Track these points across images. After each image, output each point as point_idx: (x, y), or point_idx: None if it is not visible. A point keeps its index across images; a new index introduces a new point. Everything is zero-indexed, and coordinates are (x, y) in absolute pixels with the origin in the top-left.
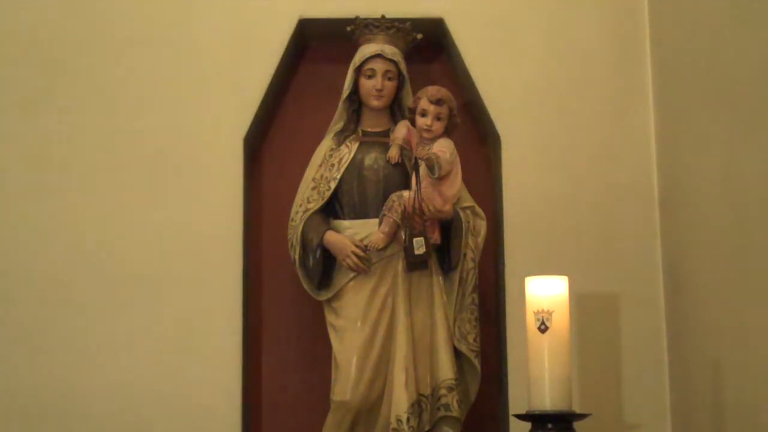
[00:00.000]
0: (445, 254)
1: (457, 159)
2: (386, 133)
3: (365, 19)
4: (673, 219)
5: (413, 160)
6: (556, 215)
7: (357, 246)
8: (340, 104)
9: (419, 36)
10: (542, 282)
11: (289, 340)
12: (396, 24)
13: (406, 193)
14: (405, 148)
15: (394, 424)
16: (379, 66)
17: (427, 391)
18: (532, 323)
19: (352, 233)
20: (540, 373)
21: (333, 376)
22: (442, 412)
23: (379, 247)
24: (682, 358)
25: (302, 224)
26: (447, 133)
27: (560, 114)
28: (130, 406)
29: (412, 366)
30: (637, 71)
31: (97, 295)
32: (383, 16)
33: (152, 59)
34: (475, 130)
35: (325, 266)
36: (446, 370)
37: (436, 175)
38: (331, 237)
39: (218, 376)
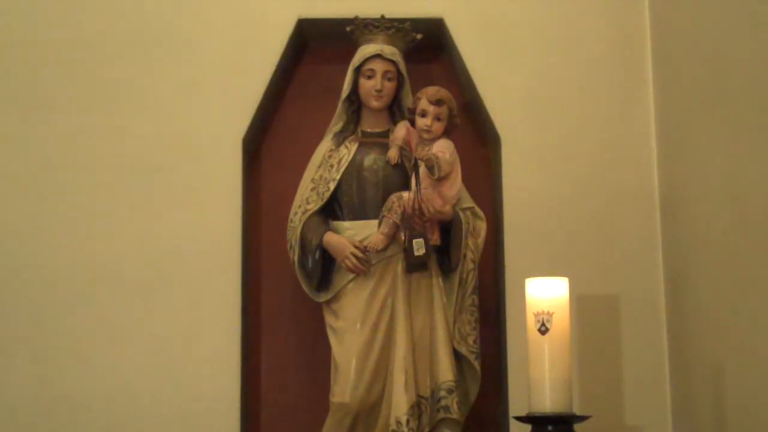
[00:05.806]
0: (444, 255)
1: (457, 160)
2: (386, 134)
3: (365, 19)
4: (673, 220)
5: (413, 161)
6: (557, 216)
7: (356, 247)
8: (340, 105)
9: (419, 36)
10: (542, 283)
11: (288, 341)
12: (395, 24)
13: (405, 194)
14: (404, 149)
15: (393, 426)
16: (378, 66)
17: (427, 393)
18: (532, 325)
19: (352, 234)
20: (540, 374)
21: (332, 378)
22: (441, 414)
23: (379, 248)
24: (682, 360)
25: (301, 225)
26: (447, 133)
27: (560, 114)
28: (129, 409)
29: (412, 368)
30: (637, 71)
31: (95, 297)
32: (383, 16)
33: (151, 60)
34: (475, 130)
35: (325, 267)
36: (446, 371)
37: (435, 176)
38: (330, 238)
39: (217, 378)
